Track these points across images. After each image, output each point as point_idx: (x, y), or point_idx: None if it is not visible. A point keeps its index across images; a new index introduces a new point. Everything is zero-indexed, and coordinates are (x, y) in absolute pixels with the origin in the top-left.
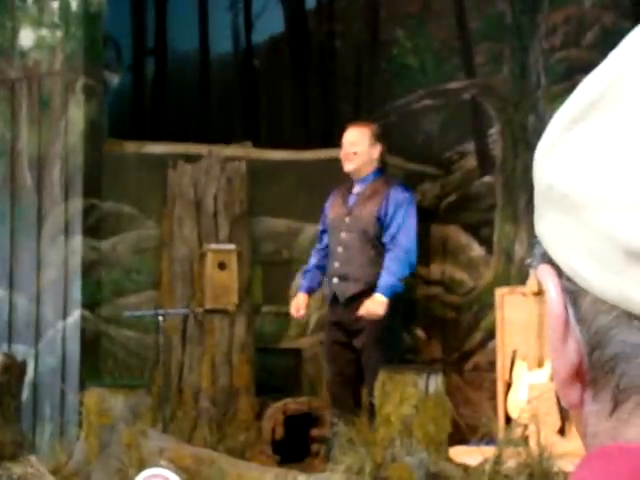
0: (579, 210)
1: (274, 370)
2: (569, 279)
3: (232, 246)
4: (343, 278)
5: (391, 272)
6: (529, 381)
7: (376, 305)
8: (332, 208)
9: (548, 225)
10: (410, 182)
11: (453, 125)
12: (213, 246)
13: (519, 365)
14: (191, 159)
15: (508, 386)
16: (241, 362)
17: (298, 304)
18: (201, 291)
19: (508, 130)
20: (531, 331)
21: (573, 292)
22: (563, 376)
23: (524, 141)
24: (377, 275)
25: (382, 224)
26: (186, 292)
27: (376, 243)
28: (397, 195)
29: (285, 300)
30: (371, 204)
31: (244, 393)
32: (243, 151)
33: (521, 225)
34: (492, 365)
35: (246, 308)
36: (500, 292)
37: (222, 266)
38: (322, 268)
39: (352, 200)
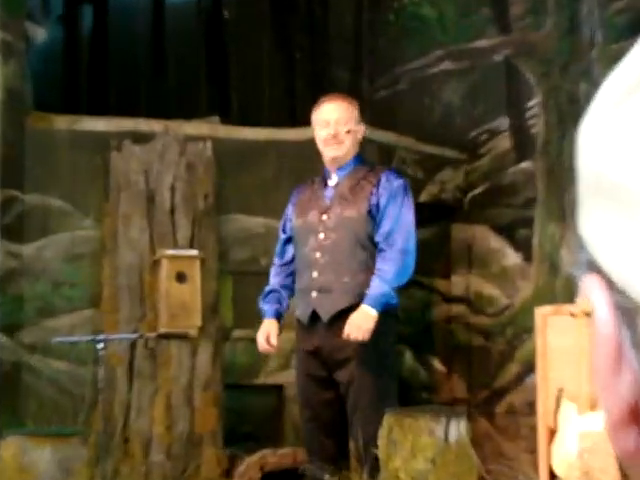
0: (637, 205)
1: (248, 413)
2: (623, 293)
3: (194, 252)
4: (326, 290)
5: (383, 278)
6: (580, 428)
7: (362, 320)
8: (299, 211)
9: (596, 224)
10: (425, 170)
11: (481, 95)
12: (169, 252)
13: (567, 407)
14: (141, 139)
15: (552, 434)
16: (205, 402)
17: (267, 333)
18: (154, 310)
19: (552, 102)
20: (582, 363)
21: (628, 310)
22: (615, 417)
23: (573, 116)
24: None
25: (374, 219)
26: (134, 311)
27: (367, 244)
28: (390, 183)
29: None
30: (359, 196)
31: (209, 443)
32: (209, 128)
33: (569, 225)
34: (531, 407)
35: (212, 332)
36: (542, 312)
37: (181, 278)
38: (288, 288)
39: (329, 194)
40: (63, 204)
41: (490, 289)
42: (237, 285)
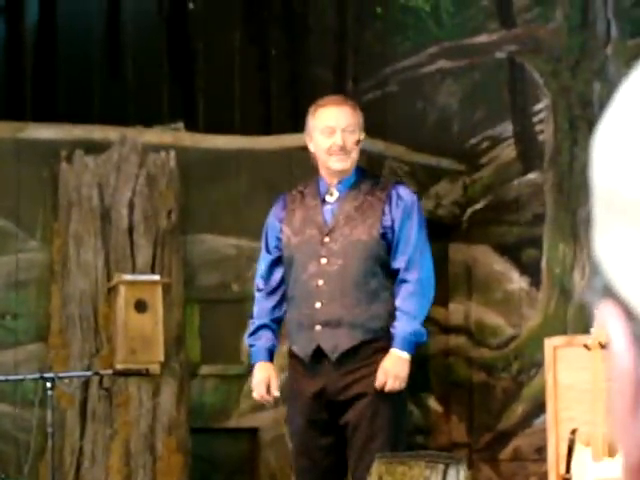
0: None
1: (219, 460)
2: None
3: (156, 277)
4: (333, 324)
5: (411, 315)
6: (596, 475)
7: (397, 367)
8: (292, 230)
9: (612, 245)
10: (418, 183)
11: (481, 98)
12: (128, 277)
13: (581, 452)
14: (95, 148)
15: None
16: (169, 449)
17: (267, 380)
18: (109, 344)
19: (562, 105)
20: (598, 402)
21: None
22: (633, 460)
23: (586, 121)
24: (383, 316)
25: (388, 241)
26: (87, 346)
27: (378, 270)
28: (403, 200)
29: (235, 357)
30: (369, 215)
31: None
32: (172, 136)
33: (582, 245)
34: (541, 452)
35: (176, 369)
36: (552, 344)
37: (141, 306)
38: (278, 320)
39: (329, 212)
40: (5, 223)
41: (493, 318)
42: (205, 315)
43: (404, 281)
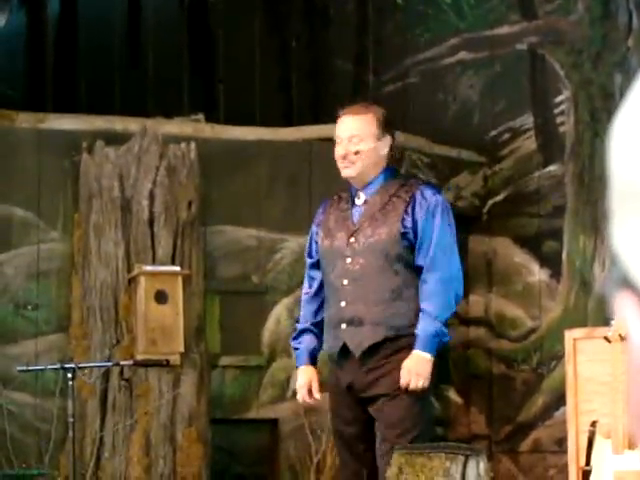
0: None
1: (238, 451)
2: None
3: (176, 268)
4: (356, 322)
5: (432, 314)
6: (616, 468)
7: (418, 366)
8: (325, 233)
9: (631, 236)
10: (439, 175)
11: (502, 90)
12: (148, 268)
13: (601, 444)
14: (115, 139)
15: (585, 475)
16: (189, 440)
17: (309, 383)
18: (130, 335)
19: (584, 97)
20: (618, 394)
21: None
22: None
23: (607, 113)
24: (407, 314)
25: (409, 241)
26: (107, 336)
27: (401, 269)
28: (426, 200)
29: (254, 348)
30: (390, 215)
31: None
32: (192, 128)
33: (603, 237)
34: (561, 444)
35: (197, 360)
36: (572, 336)
37: (161, 297)
38: (320, 324)
39: (357, 214)
40: (26, 214)
41: (513, 310)
42: (225, 306)
43: (425, 281)
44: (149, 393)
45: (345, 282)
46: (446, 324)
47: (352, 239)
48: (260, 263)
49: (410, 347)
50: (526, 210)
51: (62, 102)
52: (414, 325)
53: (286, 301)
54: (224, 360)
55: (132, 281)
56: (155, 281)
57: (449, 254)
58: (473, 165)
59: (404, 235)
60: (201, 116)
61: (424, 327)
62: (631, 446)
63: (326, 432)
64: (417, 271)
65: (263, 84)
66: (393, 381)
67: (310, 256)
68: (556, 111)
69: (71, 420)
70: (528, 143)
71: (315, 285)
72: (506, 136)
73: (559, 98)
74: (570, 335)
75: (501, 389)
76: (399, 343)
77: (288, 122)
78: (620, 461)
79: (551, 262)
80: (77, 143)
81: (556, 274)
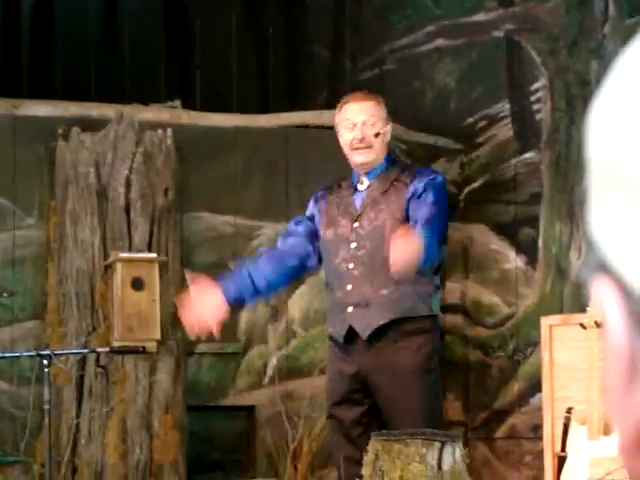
0: None
1: (215, 438)
2: (639, 299)
3: (153, 255)
4: (362, 305)
5: (429, 228)
6: (591, 454)
7: (409, 241)
8: (327, 221)
9: (608, 222)
10: (416, 161)
11: (479, 77)
12: (125, 255)
13: (576, 431)
14: (91, 126)
15: (561, 461)
16: (166, 427)
17: (211, 308)
18: (106, 322)
19: (560, 84)
20: (594, 380)
21: None
22: (629, 437)
23: (583, 100)
24: (412, 297)
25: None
26: (83, 323)
27: None
28: (426, 176)
29: (231, 335)
30: (393, 199)
31: (170, 473)
32: (169, 114)
33: (579, 224)
34: (536, 430)
35: (173, 347)
36: (548, 323)
37: (138, 284)
38: (261, 280)
39: (359, 199)
40: (2, 200)
41: (489, 297)
42: None
43: (419, 225)
44: (125, 380)
45: (351, 266)
46: (430, 246)
47: (356, 224)
48: (237, 250)
49: (417, 332)
50: (503, 197)
51: (38, 88)
52: (419, 308)
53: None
54: (200, 347)
55: (108, 268)
56: (131, 268)
57: (442, 219)
58: (450, 152)
59: (407, 216)
60: (178, 103)
61: (423, 220)
62: (606, 432)
63: (303, 419)
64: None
65: (240, 70)
66: (401, 364)
67: (296, 224)
68: (532, 98)
69: (47, 407)
70: (505, 130)
71: (282, 247)
72: (483, 123)
73: (535, 85)
74: (546, 322)
75: (477, 376)
76: (406, 327)
77: (265, 109)
78: (595, 447)
79: (527, 249)
80: (53, 129)
81: (532, 261)
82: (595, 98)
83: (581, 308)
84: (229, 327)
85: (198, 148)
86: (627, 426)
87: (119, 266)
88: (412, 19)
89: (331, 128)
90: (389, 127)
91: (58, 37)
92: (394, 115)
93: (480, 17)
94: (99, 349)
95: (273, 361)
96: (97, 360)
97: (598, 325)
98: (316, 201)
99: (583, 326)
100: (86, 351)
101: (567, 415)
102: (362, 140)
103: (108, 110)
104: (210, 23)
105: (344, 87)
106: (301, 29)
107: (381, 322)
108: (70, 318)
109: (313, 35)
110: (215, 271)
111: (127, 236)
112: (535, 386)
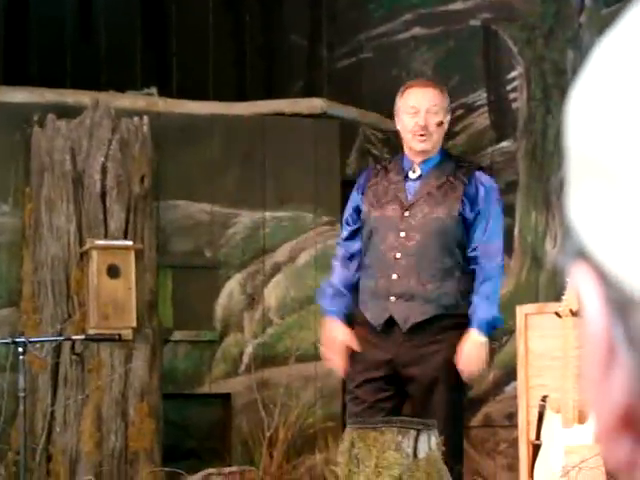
0: (632, 187)
1: (190, 426)
2: (617, 285)
3: (129, 242)
4: (406, 297)
5: (491, 300)
6: (565, 442)
7: (477, 350)
8: (374, 202)
9: (587, 209)
10: (393, 150)
11: (456, 65)
12: (100, 242)
13: (551, 419)
14: (68, 113)
15: (535, 449)
16: (141, 415)
17: (338, 338)
18: (81, 309)
19: (536, 73)
20: (569, 369)
21: (622, 303)
22: (606, 423)
23: (559, 89)
24: (455, 294)
25: (466, 223)
26: (59, 311)
27: (455, 250)
28: (485, 185)
29: (207, 322)
30: (450, 196)
31: (146, 460)
32: (145, 101)
33: (555, 213)
34: (511, 418)
35: (149, 334)
36: (524, 311)
37: (113, 272)
38: (353, 286)
39: (411, 188)
40: None
41: None
42: (178, 281)
43: (482, 264)
44: (101, 368)
45: (398, 255)
46: (499, 309)
47: (407, 213)
48: (213, 238)
49: (455, 328)
50: None
51: (13, 75)
52: (460, 306)
53: (239, 276)
54: (176, 335)
55: (84, 255)
56: (107, 255)
57: (501, 242)
58: None
59: (462, 217)
60: (154, 90)
61: (482, 310)
62: (581, 420)
63: (279, 407)
64: (468, 252)
65: (217, 58)
66: (437, 360)
67: (348, 224)
68: (509, 87)
69: (22, 395)
70: (481, 119)
71: (350, 251)
72: (459, 112)
73: (512, 74)
74: (521, 310)
75: None
76: (445, 323)
77: (241, 97)
78: (570, 435)
79: (503, 238)
80: (28, 116)
81: (508, 250)
82: (572, 87)
83: (556, 297)
84: (205, 315)
85: (174, 136)
86: (604, 413)
87: (95, 253)
88: (389, 7)
89: (307, 116)
90: (449, 118)
91: (33, 24)
92: (371, 103)
93: (457, 6)
94: (74, 337)
95: (249, 349)
96: (72, 348)
97: (573, 314)
98: (360, 188)
99: (558, 315)
100: (61, 339)
101: (542, 403)
102: (424, 127)
103: (84, 97)
104: (187, 11)
105: (321, 75)
106: (278, 17)
107: (424, 317)
108: (45, 305)
109: (290, 23)
110: (191, 259)
111: (103, 223)
112: (510, 374)
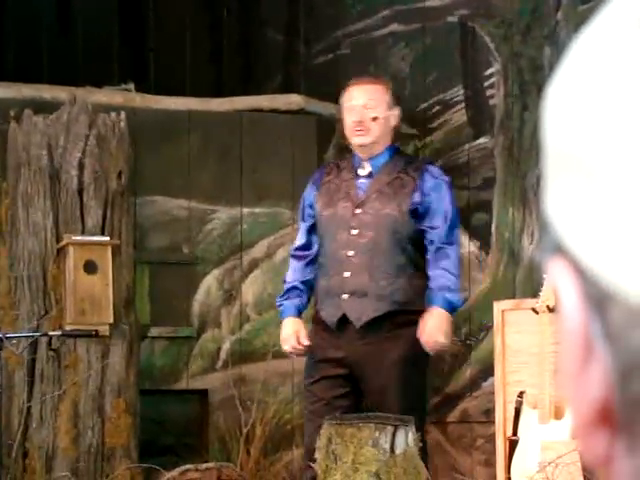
0: (610, 182)
1: (168, 422)
2: (594, 280)
3: (106, 238)
4: (359, 294)
5: (447, 276)
6: (542, 438)
7: (439, 320)
8: (326, 200)
9: (564, 203)
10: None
11: (433, 62)
12: (77, 238)
13: (528, 414)
14: (44, 108)
15: (512, 445)
16: (118, 411)
17: (296, 332)
18: (58, 305)
19: (513, 69)
20: (545, 365)
21: (599, 299)
22: (584, 418)
23: (536, 86)
24: (408, 291)
25: (418, 218)
26: (35, 306)
27: (407, 246)
28: (435, 177)
29: (184, 318)
30: (400, 192)
31: (122, 457)
32: (122, 97)
33: (532, 209)
34: (488, 414)
35: (126, 330)
36: (500, 307)
37: (90, 267)
38: (310, 284)
39: (363, 186)
40: None
41: None
42: (155, 276)
43: (445, 254)
44: (77, 364)
45: (350, 253)
46: (457, 287)
47: (358, 210)
48: (190, 234)
49: (409, 324)
50: (456, 182)
51: None
52: (414, 302)
53: (216, 272)
54: (153, 331)
55: (61, 251)
56: (84, 251)
57: (457, 230)
58: (404, 137)
59: (413, 212)
60: (131, 85)
61: (442, 287)
62: (557, 416)
63: (256, 403)
64: (421, 247)
65: (194, 54)
66: (391, 356)
67: (303, 219)
68: (486, 84)
69: None
70: (458, 116)
71: (305, 248)
72: (437, 108)
73: (489, 71)
74: (498, 307)
75: (430, 360)
76: (399, 319)
77: (219, 93)
78: (546, 431)
79: (480, 234)
80: (5, 112)
81: (485, 246)
82: (549, 83)
83: (533, 293)
84: (182, 311)
85: (151, 131)
86: (581, 407)
87: (72, 249)
88: (367, 3)
89: (285, 112)
90: (393, 113)
91: (10, 18)
92: None
93: (434, 2)
94: (51, 332)
95: (226, 345)
96: (49, 343)
97: (550, 310)
98: (314, 183)
99: (535, 311)
100: (38, 334)
101: (519, 399)
102: (359, 123)
103: (61, 92)
104: (164, 6)
105: (298, 71)
106: (255, 13)
107: (376, 314)
108: (22, 301)
109: (267, 19)
110: (168, 255)
111: (80, 219)
112: (487, 370)
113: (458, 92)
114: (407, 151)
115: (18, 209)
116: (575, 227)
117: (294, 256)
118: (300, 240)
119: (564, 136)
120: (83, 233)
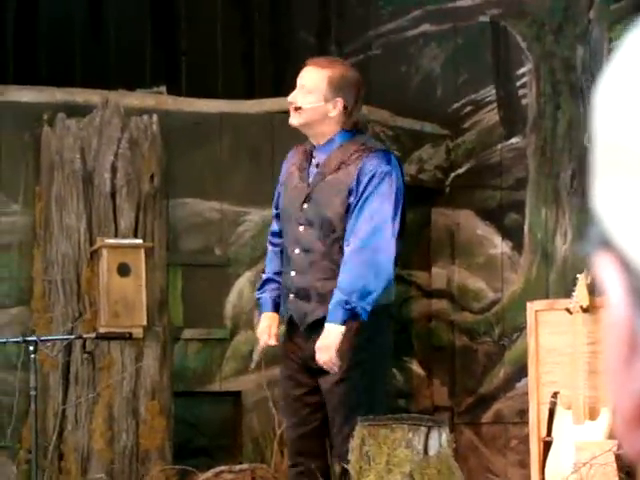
0: None
1: (201, 424)
2: None
3: (139, 241)
4: (302, 295)
5: (340, 286)
6: (576, 439)
7: (326, 338)
8: (287, 188)
9: (613, 198)
10: (402, 147)
11: (465, 62)
12: (110, 241)
13: (562, 415)
14: (77, 112)
15: (546, 446)
16: (152, 413)
17: (266, 329)
18: (92, 308)
19: (545, 69)
20: (579, 365)
21: None
22: (627, 413)
23: (569, 85)
24: None
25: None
26: (70, 309)
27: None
28: (370, 170)
29: (217, 320)
30: (337, 184)
31: (157, 458)
32: (155, 100)
33: (565, 209)
34: (522, 415)
35: (159, 333)
36: (534, 308)
37: (124, 270)
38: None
39: (311, 177)
40: None
41: (475, 282)
42: (188, 279)
43: (353, 254)
44: (112, 366)
45: (297, 251)
46: (362, 294)
47: (305, 205)
48: (223, 236)
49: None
50: (488, 183)
51: (23, 74)
52: None
53: (249, 274)
54: (187, 333)
55: (94, 254)
56: (117, 254)
57: (375, 224)
58: (436, 138)
59: (346, 209)
60: (163, 88)
61: (333, 300)
62: (592, 417)
63: None
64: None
65: (225, 56)
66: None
67: (276, 207)
68: (518, 84)
69: (33, 393)
70: (490, 116)
71: (280, 234)
72: (469, 109)
73: (521, 70)
74: (532, 307)
75: (463, 361)
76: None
77: (250, 95)
78: (581, 432)
79: (513, 234)
80: (38, 115)
81: (518, 246)
82: (581, 83)
83: (566, 293)
84: (215, 313)
85: (183, 134)
86: (624, 403)
87: (105, 252)
88: (398, 4)
89: None
90: (333, 103)
91: (43, 22)
92: (380, 100)
93: (466, 2)
94: (85, 335)
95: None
96: (83, 346)
97: (584, 310)
98: (286, 162)
99: (569, 311)
100: (72, 337)
101: (553, 400)
102: (290, 103)
103: (93, 96)
104: (196, 8)
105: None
106: (287, 14)
107: (316, 317)
108: (56, 304)
109: (299, 20)
110: (200, 257)
111: (113, 222)
112: (521, 371)
113: (490, 92)
114: (439, 153)
115: (52, 212)
116: (623, 222)
117: (270, 242)
118: (273, 227)
119: (614, 132)
120: (116, 236)
